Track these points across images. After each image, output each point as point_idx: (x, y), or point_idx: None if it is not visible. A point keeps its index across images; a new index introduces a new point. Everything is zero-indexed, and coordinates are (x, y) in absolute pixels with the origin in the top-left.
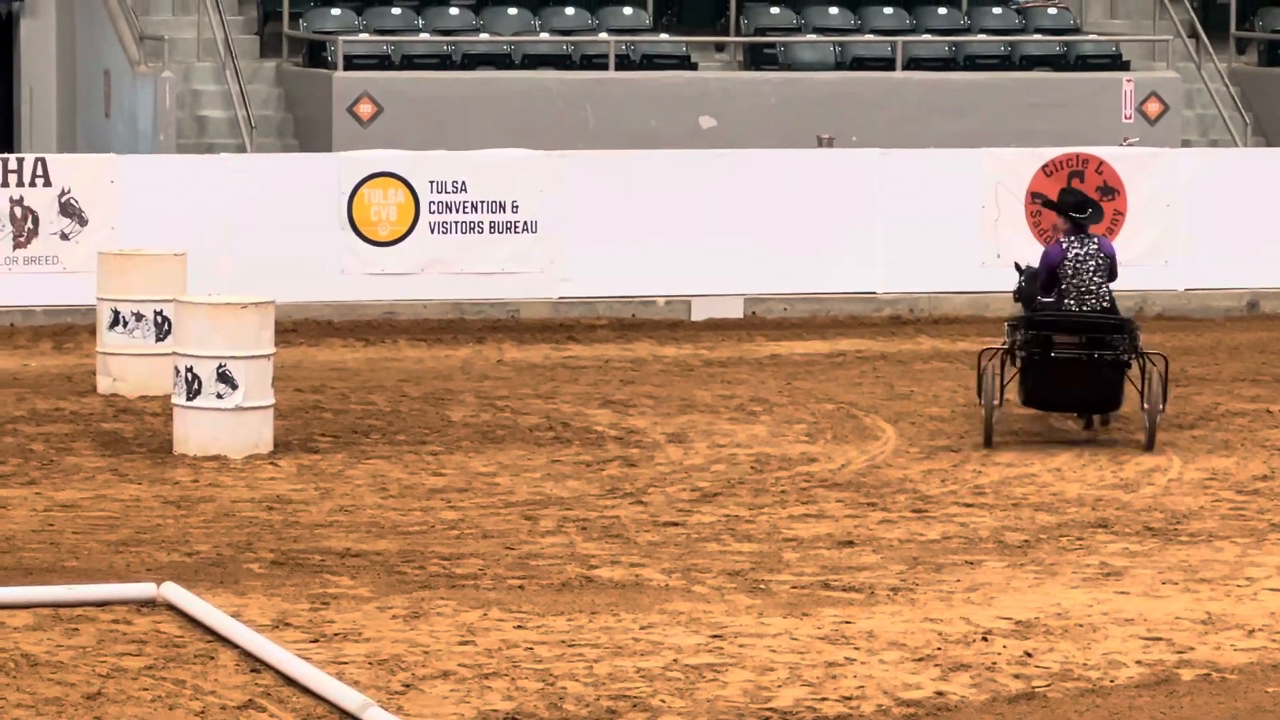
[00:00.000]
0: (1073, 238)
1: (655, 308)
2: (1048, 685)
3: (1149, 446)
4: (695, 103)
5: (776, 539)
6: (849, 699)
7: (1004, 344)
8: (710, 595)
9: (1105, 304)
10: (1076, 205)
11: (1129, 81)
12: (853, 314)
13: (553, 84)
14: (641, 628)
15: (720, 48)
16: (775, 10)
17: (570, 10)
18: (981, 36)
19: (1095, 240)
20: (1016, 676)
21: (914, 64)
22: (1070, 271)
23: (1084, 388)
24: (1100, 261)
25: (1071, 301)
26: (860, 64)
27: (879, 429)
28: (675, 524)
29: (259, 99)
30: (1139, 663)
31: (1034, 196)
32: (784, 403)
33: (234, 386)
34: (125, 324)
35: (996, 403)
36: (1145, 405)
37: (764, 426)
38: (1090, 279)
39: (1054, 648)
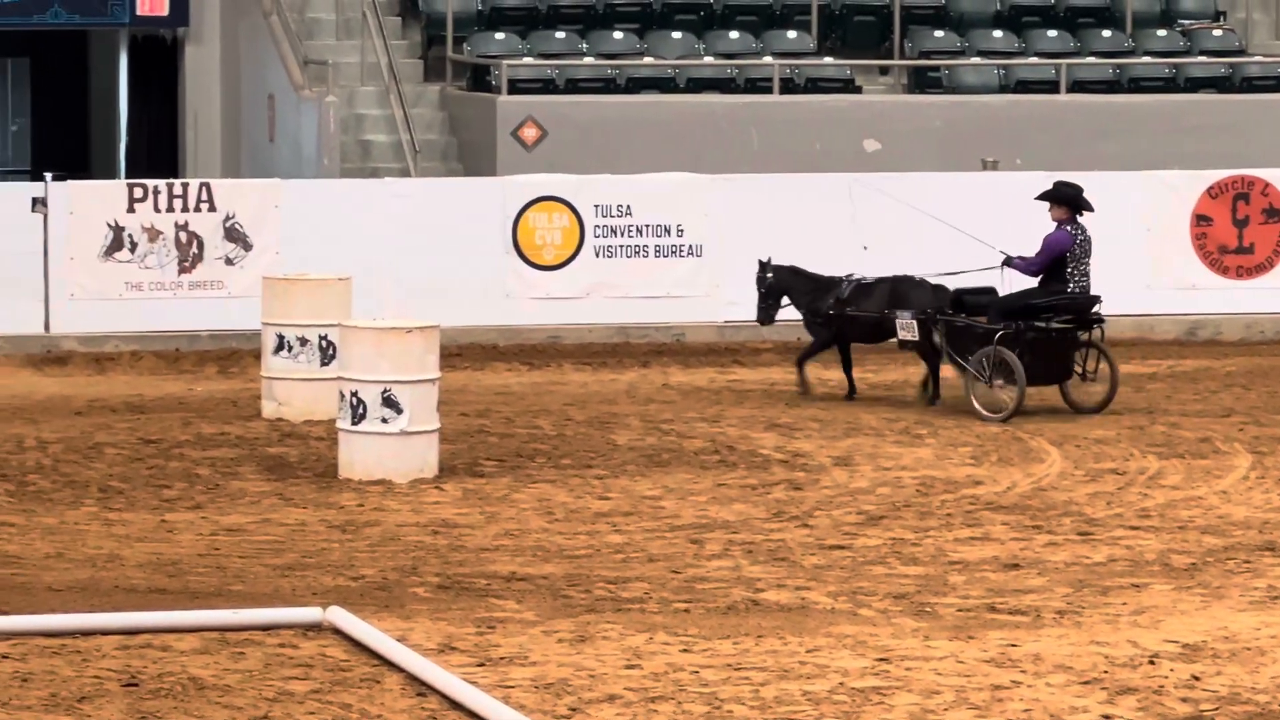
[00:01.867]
0: (1072, 226)
1: None
2: (1215, 709)
3: (1106, 405)
4: (859, 126)
5: (942, 562)
6: None
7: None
8: (876, 618)
9: (1089, 284)
10: (1077, 196)
11: None
12: None
13: (717, 107)
14: (807, 651)
15: (884, 71)
16: (939, 33)
17: (734, 34)
18: (1146, 59)
19: (1085, 229)
20: (1184, 700)
21: (1078, 86)
22: (1077, 254)
23: (1066, 361)
24: (1091, 247)
25: (1073, 284)
26: (1024, 87)
27: (1044, 451)
28: (841, 547)
29: (423, 123)
30: None
31: (1199, 219)
32: (949, 425)
33: (399, 411)
34: (290, 348)
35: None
36: (1094, 370)
37: (929, 449)
38: (1088, 262)
39: (1221, 671)
